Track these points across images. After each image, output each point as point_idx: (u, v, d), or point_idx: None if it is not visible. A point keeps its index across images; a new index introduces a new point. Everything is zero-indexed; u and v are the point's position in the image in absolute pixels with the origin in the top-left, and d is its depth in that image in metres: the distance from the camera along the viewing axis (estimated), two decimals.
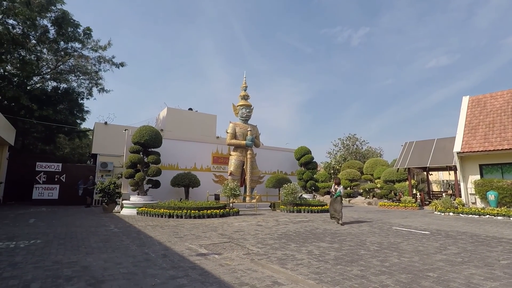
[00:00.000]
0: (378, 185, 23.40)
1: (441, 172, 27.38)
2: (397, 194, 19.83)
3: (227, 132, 16.67)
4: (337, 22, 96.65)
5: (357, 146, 37.37)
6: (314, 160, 19.64)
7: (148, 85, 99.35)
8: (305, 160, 19.29)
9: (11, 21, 19.34)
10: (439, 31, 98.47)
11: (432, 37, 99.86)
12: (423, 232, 8.47)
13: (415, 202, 17.14)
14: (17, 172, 18.82)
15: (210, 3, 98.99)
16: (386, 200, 19.81)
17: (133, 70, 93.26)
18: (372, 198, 22.52)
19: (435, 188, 30.12)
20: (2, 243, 6.19)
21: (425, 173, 22.60)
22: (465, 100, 16.98)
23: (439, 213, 14.24)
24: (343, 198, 10.29)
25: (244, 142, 16.32)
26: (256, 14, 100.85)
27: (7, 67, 19.18)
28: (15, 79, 20.10)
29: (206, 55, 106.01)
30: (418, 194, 19.16)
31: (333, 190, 10.53)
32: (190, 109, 25.59)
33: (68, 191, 17.76)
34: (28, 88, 20.80)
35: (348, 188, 24.65)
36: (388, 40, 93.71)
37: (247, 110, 16.90)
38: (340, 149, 37.26)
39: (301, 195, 16.29)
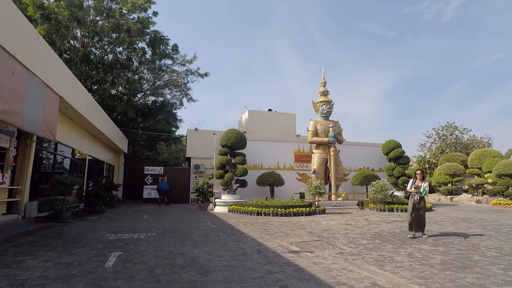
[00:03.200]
0: (489, 180, 19.95)
1: None
2: None
3: (308, 130, 16.56)
4: None
5: (456, 135, 32.59)
6: (405, 155, 17.94)
7: (229, 89, 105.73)
8: (395, 154, 17.77)
9: (118, 49, 23.19)
10: None
11: None
12: None
13: None
14: (130, 175, 22.43)
15: (282, 2, 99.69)
16: (502, 198, 16.76)
17: (214, 76, 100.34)
18: (482, 195, 19.35)
19: None
20: (129, 234, 7.49)
21: None
22: None
23: None
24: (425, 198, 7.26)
25: (326, 139, 15.96)
26: (329, 5, 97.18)
27: (119, 89, 23.01)
28: (125, 97, 23.94)
29: (281, 54, 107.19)
30: None
31: (413, 188, 7.04)
32: (270, 109, 26.26)
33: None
34: (134, 104, 24.52)
35: (449, 185, 21.70)
36: (492, 7, 78.44)
37: (328, 106, 16.48)
38: (435, 141, 33.09)
39: (393, 193, 15.08)
